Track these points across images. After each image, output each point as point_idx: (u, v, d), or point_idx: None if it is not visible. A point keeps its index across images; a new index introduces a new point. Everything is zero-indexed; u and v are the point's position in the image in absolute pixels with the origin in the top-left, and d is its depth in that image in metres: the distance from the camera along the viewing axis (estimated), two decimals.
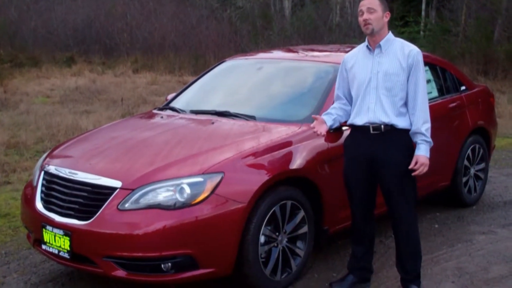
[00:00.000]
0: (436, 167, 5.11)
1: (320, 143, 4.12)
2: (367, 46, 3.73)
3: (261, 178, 3.71)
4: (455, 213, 5.56)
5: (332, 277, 4.16)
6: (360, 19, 3.65)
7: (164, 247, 3.47)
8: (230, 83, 5.26)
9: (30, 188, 4.18)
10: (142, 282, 3.65)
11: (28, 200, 4.06)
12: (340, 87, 3.90)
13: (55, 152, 4.36)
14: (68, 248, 3.64)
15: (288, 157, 3.93)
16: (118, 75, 15.76)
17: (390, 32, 3.72)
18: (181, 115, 4.76)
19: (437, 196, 5.62)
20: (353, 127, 3.79)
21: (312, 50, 5.83)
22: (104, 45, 19.30)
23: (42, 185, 4.00)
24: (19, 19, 20.33)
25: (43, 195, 3.95)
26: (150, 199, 3.55)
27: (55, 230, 3.70)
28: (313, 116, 3.79)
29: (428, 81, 5.34)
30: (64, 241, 3.66)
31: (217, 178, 3.59)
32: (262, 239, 3.73)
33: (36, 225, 3.88)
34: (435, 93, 5.36)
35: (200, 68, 15.05)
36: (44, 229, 3.78)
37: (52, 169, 4.00)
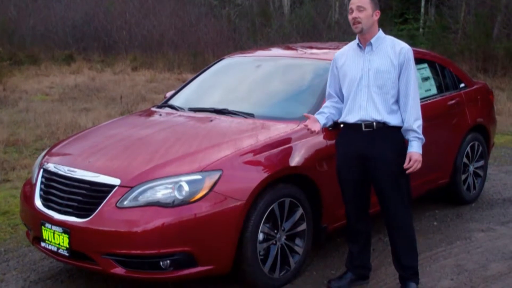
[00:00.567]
0: (435, 165, 5.14)
1: (319, 140, 4.12)
2: (357, 44, 3.73)
3: (259, 175, 3.71)
4: (454, 210, 5.56)
5: (331, 275, 4.16)
6: (350, 17, 3.66)
7: (162, 245, 3.47)
8: (229, 81, 5.26)
9: (29, 186, 4.18)
10: (140, 280, 3.66)
11: (27, 197, 4.07)
12: (332, 85, 3.90)
13: (54, 150, 4.36)
14: (67, 246, 3.65)
15: (287, 154, 3.93)
16: (117, 73, 15.74)
17: (380, 30, 3.73)
18: (179, 113, 4.76)
19: (436, 193, 5.63)
20: (345, 125, 3.79)
21: (311, 47, 5.83)
22: (103, 43, 19.28)
23: (41, 182, 4.00)
24: (18, 17, 20.30)
25: (42, 193, 3.95)
26: (148, 196, 3.55)
27: (54, 228, 3.71)
28: (305, 114, 3.78)
29: (427, 78, 5.35)
30: (63, 239, 3.66)
31: (215, 176, 3.60)
32: (260, 236, 3.73)
33: (35, 222, 3.88)
34: (434, 90, 5.36)
35: (199, 65, 15.04)
36: (43, 227, 3.78)
37: (51, 166, 4.00)
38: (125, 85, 13.62)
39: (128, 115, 5.90)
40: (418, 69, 5.23)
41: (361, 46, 3.71)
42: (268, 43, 16.97)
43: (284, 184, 3.88)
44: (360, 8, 3.60)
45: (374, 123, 3.64)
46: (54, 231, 3.70)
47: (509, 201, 5.85)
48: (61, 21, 20.08)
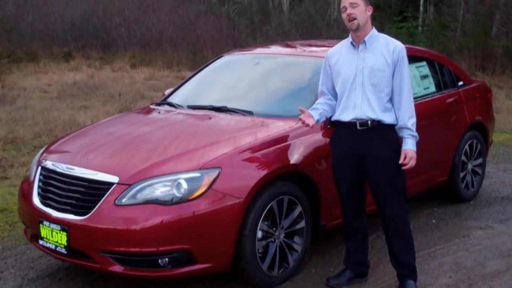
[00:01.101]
0: (433, 163, 5.14)
1: (317, 138, 4.12)
2: (351, 42, 3.73)
3: (258, 173, 3.71)
4: (452, 208, 5.56)
5: (329, 272, 4.16)
6: (344, 15, 3.65)
7: (161, 242, 3.46)
8: (228, 78, 5.25)
9: (27, 184, 4.17)
10: (139, 277, 3.66)
11: (25, 195, 4.06)
12: (324, 83, 3.90)
13: (52, 147, 4.36)
14: (65, 243, 3.64)
15: (285, 152, 3.93)
16: (116, 70, 15.73)
17: (373, 28, 3.72)
18: (178, 111, 4.75)
19: (435, 191, 5.63)
20: (339, 123, 3.79)
21: (310, 45, 5.82)
22: (102, 40, 19.26)
23: (39, 180, 4.00)
24: (17, 14, 20.26)
25: (40, 191, 3.95)
26: (147, 194, 3.55)
27: (52, 225, 3.70)
28: (300, 108, 3.78)
29: (426, 76, 5.34)
30: (61, 236, 3.66)
31: (214, 174, 3.59)
32: (259, 234, 3.73)
33: (33, 220, 3.88)
34: (432, 88, 5.35)
35: (198, 63, 15.03)
36: (41, 224, 3.78)
37: (49, 164, 4.00)
38: (124, 83, 13.61)
39: (127, 113, 5.89)
40: (417, 67, 5.23)
41: (355, 44, 3.71)
42: (267, 41, 16.96)
43: (283, 182, 3.88)
44: (353, 5, 3.60)
45: (369, 122, 3.65)
46: (52, 228, 3.70)
47: (507, 199, 5.85)
48: (59, 18, 20.05)
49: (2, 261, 4.41)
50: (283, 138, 3.99)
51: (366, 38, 3.67)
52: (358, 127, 3.67)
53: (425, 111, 4.82)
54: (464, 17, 17.12)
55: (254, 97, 4.77)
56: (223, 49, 13.91)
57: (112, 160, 3.85)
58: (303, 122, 3.70)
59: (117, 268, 3.54)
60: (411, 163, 3.61)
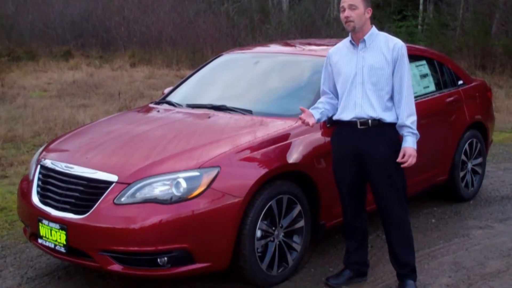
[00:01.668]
0: (433, 162, 5.13)
1: (317, 137, 4.12)
2: (350, 41, 3.73)
3: (257, 172, 3.70)
4: (452, 207, 5.56)
5: (329, 272, 4.16)
6: (342, 15, 3.65)
7: (160, 241, 3.46)
8: (227, 77, 5.25)
9: (26, 182, 4.17)
10: (138, 277, 3.66)
11: (24, 194, 4.05)
12: (326, 82, 3.89)
13: (52, 146, 4.35)
14: (64, 242, 3.63)
15: (285, 151, 3.92)
16: (115, 69, 15.71)
17: (373, 27, 3.72)
18: (177, 109, 4.74)
19: (435, 190, 5.62)
20: (339, 122, 3.78)
21: (310, 44, 5.81)
22: (101, 39, 19.24)
23: (38, 179, 3.99)
24: (16, 13, 20.24)
25: (39, 189, 3.94)
26: (146, 193, 3.54)
27: (51, 224, 3.69)
28: (300, 108, 3.76)
29: (426, 75, 5.34)
30: (60, 235, 3.65)
31: (213, 172, 3.59)
32: (258, 233, 3.73)
33: (32, 219, 3.87)
34: (432, 88, 5.35)
35: (198, 62, 15.01)
36: (40, 223, 3.77)
37: (48, 163, 3.99)
38: (123, 81, 13.60)
39: (126, 111, 5.89)
40: (417, 66, 5.23)
41: (354, 43, 3.70)
42: (266, 40, 16.95)
43: (282, 181, 3.87)
44: (352, 7, 3.60)
45: (370, 121, 3.64)
46: (51, 227, 3.69)
47: (507, 199, 5.84)
48: (59, 17, 20.03)
49: (2, 259, 4.40)
50: (283, 137, 3.99)
51: (365, 37, 3.66)
52: (359, 126, 3.66)
53: (424, 110, 4.81)
54: (463, 16, 17.11)
55: (253, 96, 4.76)
56: (223, 48, 13.90)
57: (111, 159, 3.84)
58: (303, 121, 3.69)
59: (116, 267, 3.54)
60: (410, 160, 3.59)
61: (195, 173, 3.58)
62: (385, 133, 3.67)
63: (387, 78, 3.63)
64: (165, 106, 4.91)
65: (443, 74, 5.54)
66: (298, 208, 3.96)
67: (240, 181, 3.65)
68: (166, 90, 5.39)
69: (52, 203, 3.78)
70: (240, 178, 3.67)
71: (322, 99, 3.90)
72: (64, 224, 3.63)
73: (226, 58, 5.47)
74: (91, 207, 3.57)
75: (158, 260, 3.50)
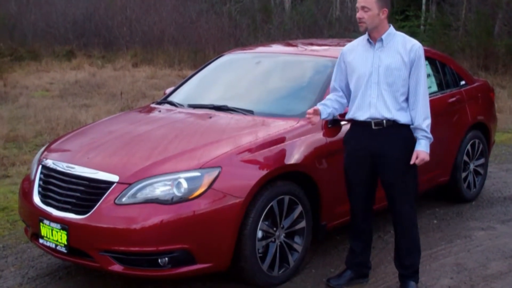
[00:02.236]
0: (435, 162, 5.11)
1: (318, 138, 4.11)
2: (368, 39, 3.69)
3: (258, 172, 3.70)
4: (454, 208, 5.54)
5: (330, 273, 4.15)
6: (356, 15, 3.64)
7: (161, 242, 3.46)
8: (228, 77, 5.24)
9: (27, 182, 4.17)
10: (138, 277, 3.65)
11: (26, 194, 4.05)
12: (337, 79, 3.86)
13: (53, 146, 4.35)
14: (65, 242, 3.63)
15: (286, 151, 3.91)
16: (117, 69, 15.71)
17: (391, 26, 3.68)
18: (179, 110, 4.74)
19: (437, 191, 5.61)
20: (353, 122, 3.76)
21: (311, 44, 5.81)
22: (104, 39, 19.24)
23: (40, 179, 3.99)
24: (19, 13, 20.27)
25: (40, 189, 3.94)
26: (147, 193, 3.54)
27: (52, 224, 3.69)
28: (308, 111, 3.71)
29: (428, 76, 5.29)
30: (61, 235, 3.65)
31: (214, 173, 3.58)
32: (259, 234, 3.72)
33: (34, 219, 3.87)
34: (434, 88, 5.34)
35: (200, 62, 15.00)
36: (41, 223, 3.77)
37: (49, 163, 3.99)
38: (126, 81, 13.59)
39: (127, 112, 5.89)
40: None
41: (371, 42, 3.67)
42: (269, 40, 16.93)
43: (283, 181, 3.87)
44: (364, 9, 3.57)
45: (384, 121, 3.62)
46: (52, 227, 3.69)
47: (509, 200, 5.83)
48: (62, 16, 20.04)
49: (3, 259, 4.40)
50: (284, 138, 3.98)
51: (383, 36, 3.63)
52: (373, 127, 3.63)
53: None
54: (466, 16, 17.07)
55: (255, 96, 4.76)
56: (225, 48, 13.89)
57: (112, 159, 3.84)
58: (310, 119, 3.68)
59: (117, 267, 3.54)
60: (421, 163, 3.60)
61: (196, 174, 3.57)
62: (399, 134, 3.64)
63: (403, 79, 3.60)
64: (167, 106, 4.91)
65: (445, 75, 5.53)
66: (299, 208, 3.96)
67: (241, 182, 3.65)
68: (168, 90, 5.38)
69: (53, 203, 3.78)
70: (241, 179, 3.67)
71: (331, 96, 3.86)
72: (65, 224, 3.63)
73: (228, 58, 5.46)
74: (92, 207, 3.57)
75: (159, 260, 3.50)
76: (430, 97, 5.12)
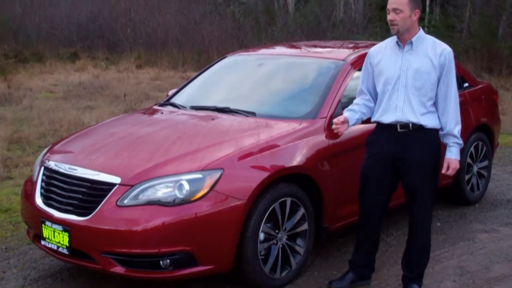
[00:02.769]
0: None
1: (321, 140, 4.10)
2: (396, 42, 3.62)
3: (260, 174, 3.69)
4: (457, 211, 5.52)
5: (332, 275, 4.14)
6: (388, 17, 3.56)
7: (163, 244, 3.45)
8: (231, 79, 5.24)
9: (30, 184, 4.17)
10: (140, 279, 3.65)
11: (28, 195, 4.06)
12: (364, 82, 3.81)
13: (55, 148, 4.35)
14: (67, 244, 3.63)
15: (288, 153, 3.90)
16: (121, 71, 15.73)
17: (420, 29, 3.62)
18: (181, 111, 4.74)
19: (440, 193, 5.59)
20: (379, 124, 3.72)
21: (315, 46, 5.80)
22: (108, 41, 19.28)
23: (42, 180, 3.99)
24: (23, 15, 20.33)
25: (42, 191, 3.94)
26: (149, 195, 3.53)
27: (54, 226, 3.69)
28: (336, 121, 3.69)
29: None
30: (63, 237, 3.65)
31: (216, 175, 3.58)
32: (261, 236, 3.71)
33: (36, 220, 3.87)
34: None
35: (203, 64, 15.00)
36: (43, 225, 3.77)
37: (52, 164, 3.99)
38: (129, 83, 13.62)
39: (130, 113, 5.89)
40: None
41: (400, 44, 3.60)
42: (272, 42, 16.93)
43: (285, 183, 3.86)
44: (396, 11, 3.51)
45: (410, 125, 3.57)
46: (54, 229, 3.69)
47: None
48: (66, 18, 20.09)
49: (5, 261, 4.41)
50: (286, 140, 3.97)
51: (413, 39, 3.57)
52: (399, 129, 3.59)
53: None
54: (470, 18, 17.04)
55: (257, 98, 4.75)
56: (228, 50, 13.89)
57: (114, 161, 3.84)
58: (337, 130, 3.67)
59: (119, 269, 3.53)
60: (453, 173, 3.58)
61: (198, 175, 3.57)
62: (425, 138, 3.58)
63: (432, 84, 3.54)
64: (169, 108, 4.91)
65: None
66: (301, 211, 3.95)
67: (243, 184, 3.64)
68: (170, 92, 5.39)
69: (56, 204, 3.78)
70: (243, 181, 3.66)
71: (358, 100, 3.83)
72: (67, 226, 3.63)
73: (230, 60, 5.45)
74: (94, 209, 3.57)
75: (161, 262, 3.50)
76: None
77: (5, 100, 11.10)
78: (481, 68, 14.80)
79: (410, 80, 3.55)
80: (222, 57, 5.62)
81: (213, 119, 4.38)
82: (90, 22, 19.93)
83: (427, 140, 3.59)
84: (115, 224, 3.50)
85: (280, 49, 5.74)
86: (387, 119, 3.63)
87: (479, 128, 5.62)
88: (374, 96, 3.77)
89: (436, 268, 4.25)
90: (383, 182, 3.71)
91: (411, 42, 3.57)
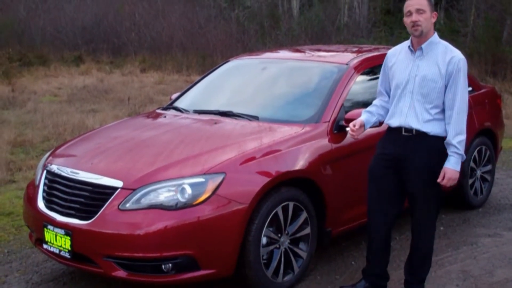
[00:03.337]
0: None
1: (324, 143, 4.10)
2: (409, 46, 3.60)
3: (263, 178, 3.68)
4: (460, 215, 5.51)
5: (335, 279, 4.12)
6: (407, 20, 3.51)
7: (165, 248, 3.45)
8: (234, 83, 5.24)
9: (32, 187, 4.18)
10: (142, 283, 3.64)
11: (30, 199, 4.06)
12: (383, 83, 3.80)
13: (58, 151, 4.36)
14: (69, 248, 3.63)
15: (291, 157, 3.90)
16: (125, 74, 15.77)
17: (435, 34, 3.57)
18: (184, 115, 4.74)
19: (443, 198, 5.56)
20: (388, 127, 3.72)
21: (318, 50, 5.80)
22: (112, 44, 19.32)
23: (44, 184, 4.00)
24: (28, 18, 20.37)
25: (45, 194, 3.95)
26: (151, 199, 3.53)
27: (56, 230, 3.70)
28: (352, 127, 3.66)
29: None
30: (65, 241, 3.65)
31: (218, 179, 3.57)
32: (264, 240, 3.71)
33: (38, 224, 3.88)
34: None
35: (208, 67, 15.00)
36: (45, 229, 3.77)
37: (54, 168, 4.00)
38: (133, 87, 13.64)
39: (133, 117, 5.90)
40: None
41: (412, 49, 3.58)
42: (277, 46, 16.94)
43: (288, 187, 3.85)
44: (420, 11, 3.47)
45: (414, 130, 3.55)
46: (56, 233, 3.69)
47: None
48: (70, 22, 20.14)
49: (7, 264, 4.41)
50: (289, 144, 3.97)
51: (423, 45, 3.52)
52: (403, 133, 3.57)
53: None
54: (474, 22, 17.01)
55: (260, 102, 4.75)
56: (233, 54, 13.87)
57: (116, 165, 3.84)
58: (353, 135, 3.65)
59: (120, 273, 3.53)
60: (450, 183, 3.49)
61: (200, 179, 3.57)
62: (427, 144, 3.54)
63: (438, 92, 3.49)
64: (172, 111, 4.91)
65: None
66: (304, 215, 3.94)
67: (245, 188, 3.64)
68: (174, 96, 5.39)
69: (58, 208, 3.78)
70: (245, 185, 3.65)
71: (377, 101, 3.82)
72: (69, 230, 3.63)
73: (234, 64, 5.46)
74: (96, 213, 3.57)
75: (163, 266, 3.49)
76: None
77: (9, 104, 11.13)
78: (485, 72, 14.77)
79: (416, 86, 3.52)
80: (226, 61, 5.62)
81: (216, 123, 4.38)
82: (95, 25, 19.97)
83: (429, 146, 3.55)
84: (117, 228, 3.50)
85: (283, 53, 5.74)
86: (393, 122, 3.63)
87: (483, 132, 5.61)
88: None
89: (439, 272, 4.24)
90: (387, 181, 3.66)
91: (422, 48, 3.53)
